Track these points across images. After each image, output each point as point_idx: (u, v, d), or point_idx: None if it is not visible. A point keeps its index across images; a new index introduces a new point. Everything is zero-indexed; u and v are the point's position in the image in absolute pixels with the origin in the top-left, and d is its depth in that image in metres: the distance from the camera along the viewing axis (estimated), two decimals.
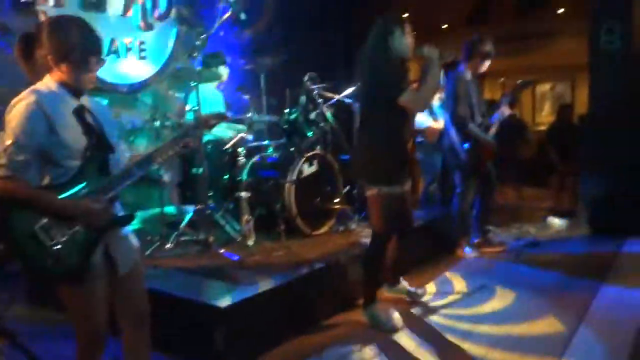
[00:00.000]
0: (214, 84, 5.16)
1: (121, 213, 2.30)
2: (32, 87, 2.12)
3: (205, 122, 2.43)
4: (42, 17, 4.87)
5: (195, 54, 4.33)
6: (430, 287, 4.24)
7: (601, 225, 5.74)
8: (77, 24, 2.15)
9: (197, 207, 4.37)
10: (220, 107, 5.06)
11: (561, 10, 9.05)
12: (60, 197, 2.06)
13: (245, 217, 4.27)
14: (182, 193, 4.82)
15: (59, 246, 2.03)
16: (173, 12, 6.04)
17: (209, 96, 4.93)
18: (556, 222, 6.33)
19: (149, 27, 5.83)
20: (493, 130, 4.94)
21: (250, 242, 4.16)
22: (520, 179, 7.41)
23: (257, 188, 4.54)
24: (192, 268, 3.74)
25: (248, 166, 4.55)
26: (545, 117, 11.83)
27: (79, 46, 2.10)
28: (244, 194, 4.30)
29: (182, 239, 4.27)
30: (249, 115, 4.70)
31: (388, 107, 3.29)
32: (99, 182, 2.14)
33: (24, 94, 2.08)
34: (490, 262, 4.87)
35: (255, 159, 4.73)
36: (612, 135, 5.83)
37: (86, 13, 5.18)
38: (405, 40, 3.34)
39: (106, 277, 2.21)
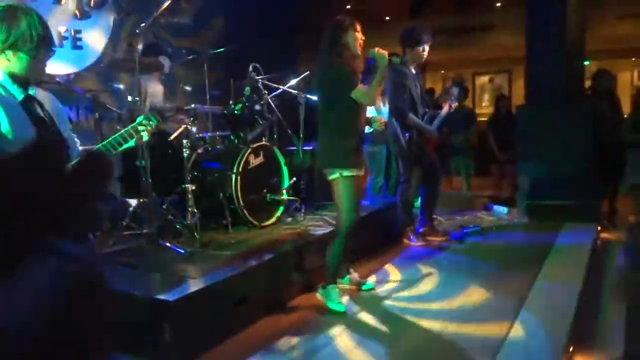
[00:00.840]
0: (156, 74, 5.02)
1: None
2: None
3: (158, 114, 2.39)
4: None
5: (134, 43, 4.19)
6: (378, 275, 4.30)
7: (538, 213, 5.96)
8: (25, 12, 2.08)
9: (141, 201, 4.26)
10: (161, 98, 4.94)
11: (499, 4, 9.29)
12: None
13: (191, 209, 4.19)
14: (124, 186, 4.67)
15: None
16: (110, 0, 5.84)
17: (151, 87, 4.80)
18: (497, 210, 6.53)
19: (85, 15, 5.61)
20: (437, 121, 5.03)
21: (196, 235, 4.09)
22: (469, 168, 7.60)
23: (202, 180, 4.47)
24: (137, 263, 3.64)
25: (192, 158, 4.46)
26: (485, 108, 12.17)
27: (27, 36, 2.04)
28: (189, 187, 4.22)
29: (126, 233, 4.15)
30: (193, 106, 4.60)
31: (342, 101, 3.61)
32: None
33: None
34: (435, 250, 4.98)
35: (200, 150, 4.64)
36: (547, 124, 6.05)
37: (16, 0, 4.95)
38: (355, 40, 3.63)
39: None
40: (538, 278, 4.08)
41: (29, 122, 2.07)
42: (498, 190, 7.69)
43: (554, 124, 6.05)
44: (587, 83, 6.74)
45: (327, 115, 3.72)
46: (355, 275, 4.04)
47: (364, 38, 3.67)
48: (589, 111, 6.06)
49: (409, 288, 4.03)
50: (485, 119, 8.85)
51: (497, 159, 7.60)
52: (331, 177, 3.62)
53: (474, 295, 3.82)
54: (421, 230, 5.24)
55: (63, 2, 5.40)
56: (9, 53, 2.04)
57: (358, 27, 3.65)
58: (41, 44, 2.09)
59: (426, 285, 4.06)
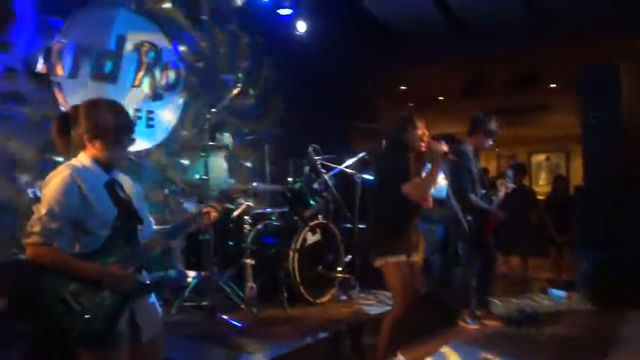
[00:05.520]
0: (221, 153, 5.29)
1: (147, 281, 2.40)
2: (67, 162, 2.29)
3: (229, 196, 2.57)
4: (55, 87, 5.05)
5: (204, 127, 4.49)
6: (435, 358, 4.22)
7: (600, 298, 5.75)
8: (111, 106, 2.34)
9: (202, 273, 4.42)
10: (225, 176, 5.19)
11: (553, 85, 9.35)
12: (89, 263, 2.17)
13: (249, 283, 4.31)
14: (186, 258, 4.86)
15: (87, 311, 2.12)
16: (181, 83, 6.24)
17: (215, 165, 5.05)
18: (556, 293, 6.34)
19: (157, 97, 6.01)
20: (496, 202, 5.02)
21: (254, 309, 4.18)
22: (528, 249, 7.50)
23: (260, 255, 4.60)
24: (195, 334, 3.75)
25: (252, 233, 4.62)
26: (542, 187, 12.02)
27: (112, 126, 2.29)
28: (248, 261, 4.36)
29: (186, 304, 4.29)
30: (255, 185, 4.81)
31: (394, 193, 3.53)
32: (127, 251, 2.26)
33: (60, 168, 2.25)
34: (491, 334, 4.86)
35: (260, 226, 4.80)
36: (607, 208, 5.94)
37: (99, 83, 5.37)
38: (415, 135, 3.63)
39: (129, 345, 2.27)
40: None
41: (111, 203, 2.29)
42: (556, 272, 7.48)
43: (613, 206, 5.94)
44: None
45: (377, 204, 3.72)
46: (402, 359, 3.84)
47: (427, 133, 3.66)
48: None
49: None
50: (543, 197, 8.75)
51: (555, 240, 7.45)
52: (378, 263, 3.58)
53: None
54: (477, 313, 5.14)
55: (137, 84, 5.82)
56: (96, 142, 2.28)
57: (419, 124, 3.65)
58: (123, 134, 2.33)
59: None
